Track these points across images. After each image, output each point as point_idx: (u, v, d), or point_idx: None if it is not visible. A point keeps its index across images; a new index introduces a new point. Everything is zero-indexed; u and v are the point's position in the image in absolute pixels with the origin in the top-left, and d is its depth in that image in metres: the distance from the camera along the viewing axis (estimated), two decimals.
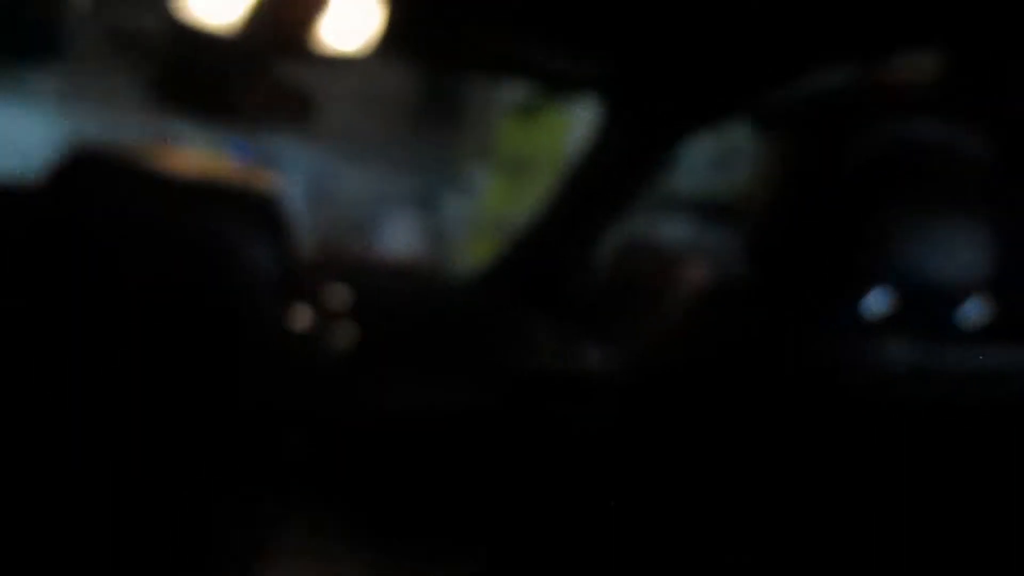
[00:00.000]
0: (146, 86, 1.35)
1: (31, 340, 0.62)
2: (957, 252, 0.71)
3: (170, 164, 0.69)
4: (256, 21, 1.21)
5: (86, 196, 0.65)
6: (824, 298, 0.76)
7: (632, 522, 1.04)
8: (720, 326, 1.02)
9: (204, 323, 0.66)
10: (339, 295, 1.36)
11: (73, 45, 0.67)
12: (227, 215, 0.66)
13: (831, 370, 0.74)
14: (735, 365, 0.98)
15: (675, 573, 0.92)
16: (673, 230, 2.58)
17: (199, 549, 0.71)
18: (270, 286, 0.68)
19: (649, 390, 1.11)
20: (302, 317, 1.31)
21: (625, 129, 1.63)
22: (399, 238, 4.15)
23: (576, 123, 3.59)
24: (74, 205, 0.64)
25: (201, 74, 1.33)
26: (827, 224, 0.75)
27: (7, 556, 0.63)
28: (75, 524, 0.65)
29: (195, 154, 0.70)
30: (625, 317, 1.63)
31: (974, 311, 0.73)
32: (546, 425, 1.48)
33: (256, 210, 0.68)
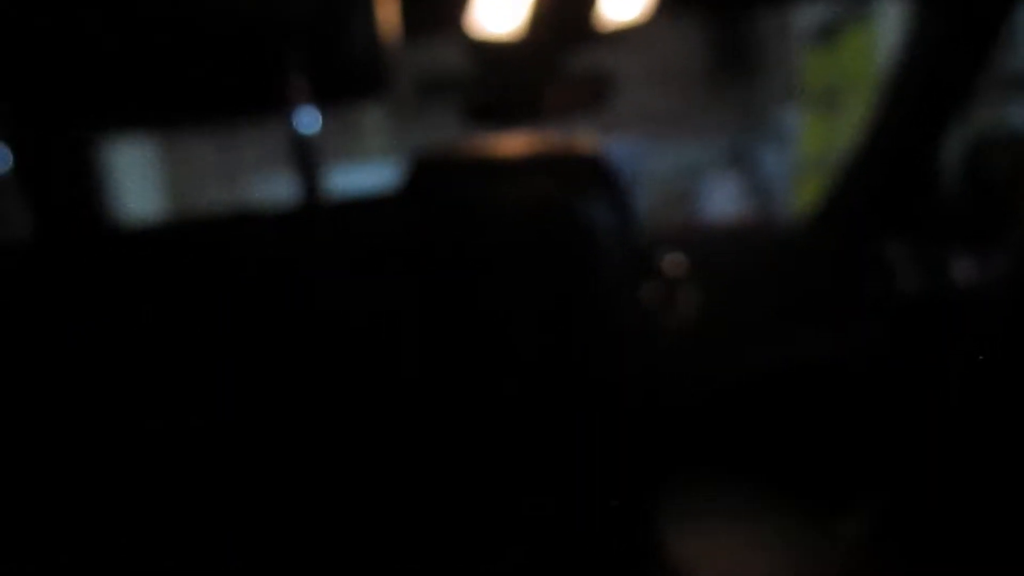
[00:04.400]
0: (459, 113, 1.44)
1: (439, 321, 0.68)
2: None
3: (505, 148, 0.73)
4: (539, 18, 1.25)
5: (439, 192, 0.70)
6: None
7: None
8: None
9: (578, 298, 0.69)
10: (678, 263, 1.36)
11: (391, 86, 0.74)
12: (573, 180, 0.69)
13: None
14: None
15: None
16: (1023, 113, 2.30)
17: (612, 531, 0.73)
18: (626, 251, 0.69)
19: None
20: (650, 287, 1.33)
21: (941, 13, 1.48)
22: (723, 201, 4.09)
23: (882, 38, 3.32)
24: (430, 203, 0.69)
25: (503, 87, 1.40)
26: None
27: None
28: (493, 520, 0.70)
29: (521, 137, 0.73)
30: (988, 222, 1.48)
31: None
32: (923, 359, 1.38)
33: (599, 170, 0.70)
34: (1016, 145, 1.56)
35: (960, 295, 1.41)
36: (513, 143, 0.72)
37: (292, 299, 0.67)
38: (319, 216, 0.71)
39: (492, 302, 0.67)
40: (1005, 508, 1.02)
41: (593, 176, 0.69)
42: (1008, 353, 1.01)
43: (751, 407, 1.42)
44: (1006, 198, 1.33)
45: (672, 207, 4.05)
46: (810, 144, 3.90)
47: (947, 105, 1.52)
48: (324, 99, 0.74)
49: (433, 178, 0.70)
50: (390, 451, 0.68)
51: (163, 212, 3.61)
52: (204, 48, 0.68)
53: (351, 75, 0.73)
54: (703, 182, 4.19)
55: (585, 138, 0.72)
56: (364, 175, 3.20)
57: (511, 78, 1.37)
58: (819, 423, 1.42)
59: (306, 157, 0.73)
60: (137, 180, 3.46)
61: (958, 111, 1.53)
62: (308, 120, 0.73)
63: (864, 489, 1.33)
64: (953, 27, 1.48)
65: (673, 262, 1.36)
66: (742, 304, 1.46)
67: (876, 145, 1.60)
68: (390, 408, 0.68)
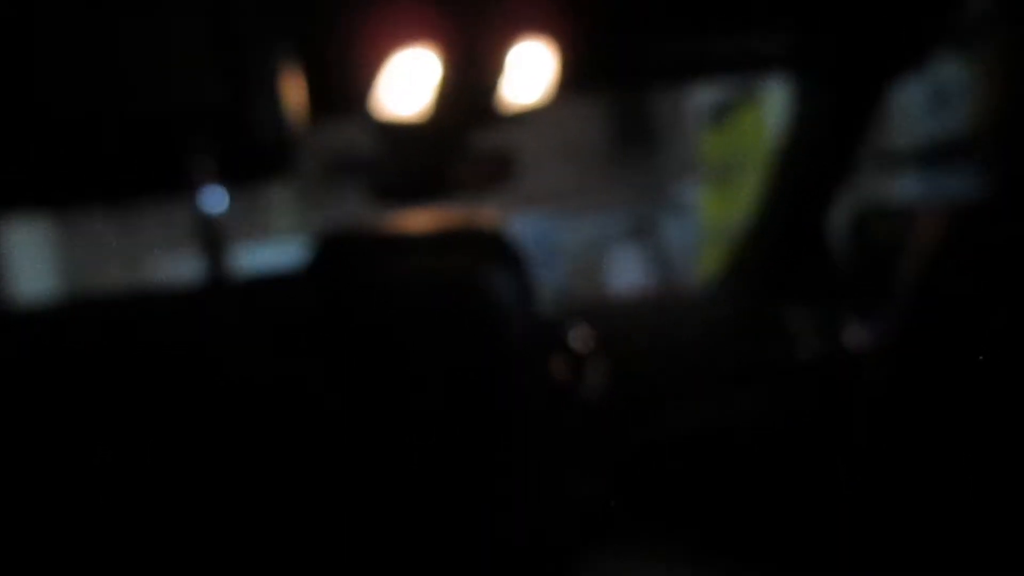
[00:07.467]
0: (367, 191, 1.45)
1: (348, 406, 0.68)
2: None
3: (409, 225, 0.74)
4: (443, 102, 1.28)
5: (344, 268, 0.71)
6: None
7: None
8: (974, 283, 0.97)
9: (483, 370, 0.70)
10: (587, 336, 1.39)
11: (298, 167, 0.76)
12: (473, 254, 0.71)
13: None
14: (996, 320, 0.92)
15: None
16: (904, 186, 2.44)
17: None
18: (530, 323, 0.71)
19: (915, 365, 1.06)
20: (559, 361, 1.35)
21: (823, 96, 1.57)
22: (629, 272, 4.18)
23: (771, 117, 3.49)
24: (336, 279, 0.70)
25: (410, 166, 1.42)
26: None
27: None
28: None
29: (425, 213, 0.75)
30: (873, 287, 1.55)
31: None
32: (821, 420, 1.43)
33: (500, 245, 0.72)
34: (896, 215, 1.65)
35: (852, 358, 1.47)
36: (417, 220, 0.74)
37: (197, 378, 0.66)
38: (225, 294, 0.71)
39: (398, 377, 0.68)
40: (908, 559, 1.06)
41: (495, 251, 0.71)
42: (893, 416, 1.06)
43: (660, 475, 1.44)
44: (887, 265, 1.41)
45: (581, 280, 4.12)
46: (710, 215, 4.03)
47: (830, 177, 1.61)
48: (230, 179, 0.74)
49: (338, 255, 0.71)
50: (299, 534, 0.68)
51: (60, 293, 3.49)
52: (108, 128, 0.68)
53: (257, 156, 0.73)
54: (609, 254, 4.28)
55: (487, 214, 0.74)
56: (272, 254, 3.18)
57: (417, 158, 1.40)
58: (727, 486, 1.45)
59: (212, 237, 0.73)
60: (32, 261, 3.35)
61: (841, 183, 1.62)
62: (214, 200, 0.73)
63: (768, 545, 1.36)
64: (831, 108, 1.57)
65: (581, 335, 1.38)
66: (650, 374, 1.49)
67: (769, 216, 1.67)
68: (296, 485, 0.68)
